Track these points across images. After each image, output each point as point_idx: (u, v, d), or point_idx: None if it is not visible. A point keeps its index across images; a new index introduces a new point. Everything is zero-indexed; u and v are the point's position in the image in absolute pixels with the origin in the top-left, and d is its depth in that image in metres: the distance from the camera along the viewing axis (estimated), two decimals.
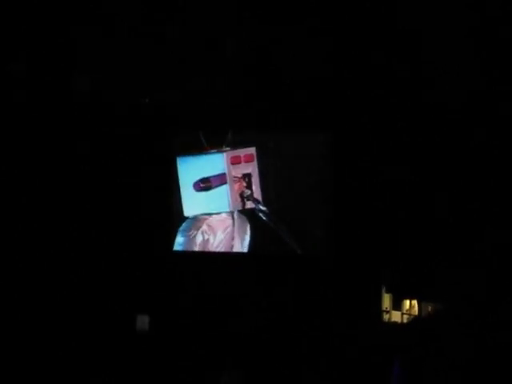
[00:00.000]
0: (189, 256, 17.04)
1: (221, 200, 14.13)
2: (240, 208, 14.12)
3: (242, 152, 14.46)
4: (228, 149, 14.36)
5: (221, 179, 14.37)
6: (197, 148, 14.45)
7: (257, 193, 14.64)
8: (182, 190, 14.17)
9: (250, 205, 14.79)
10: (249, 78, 16.09)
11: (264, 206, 15.47)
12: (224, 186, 14.28)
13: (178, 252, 16.70)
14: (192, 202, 14.14)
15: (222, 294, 16.98)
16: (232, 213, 14.47)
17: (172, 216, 15.22)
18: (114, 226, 15.99)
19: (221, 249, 14.70)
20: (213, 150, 14.46)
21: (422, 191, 15.28)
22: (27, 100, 15.58)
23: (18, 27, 14.83)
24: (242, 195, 13.92)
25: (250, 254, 16.71)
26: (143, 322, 16.61)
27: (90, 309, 15.91)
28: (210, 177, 14.54)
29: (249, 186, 14.73)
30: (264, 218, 15.54)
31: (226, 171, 14.25)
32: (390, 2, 15.00)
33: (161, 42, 15.63)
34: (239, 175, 14.67)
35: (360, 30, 15.25)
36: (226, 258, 16.97)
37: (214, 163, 14.57)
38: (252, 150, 14.49)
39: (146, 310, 16.68)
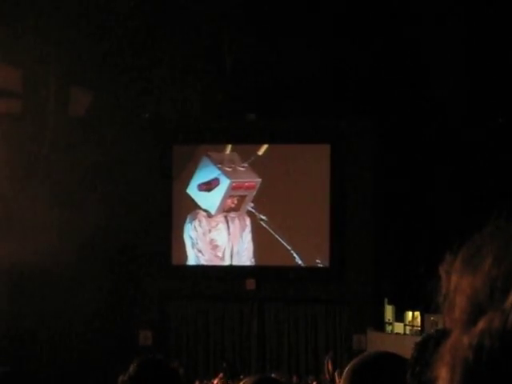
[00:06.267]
0: (190, 269, 17.11)
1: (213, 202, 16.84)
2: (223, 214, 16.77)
3: (248, 181, 16.71)
4: (242, 169, 16.65)
5: (215, 182, 16.77)
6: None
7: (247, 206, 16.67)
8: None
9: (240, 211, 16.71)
10: (248, 91, 16.15)
11: (265, 216, 16.61)
12: (221, 194, 16.77)
13: (179, 266, 17.00)
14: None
15: (224, 305, 17.03)
16: (225, 216, 16.80)
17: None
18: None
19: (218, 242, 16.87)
20: (227, 168, 16.73)
21: (422, 203, 15.27)
22: None
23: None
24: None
25: (253, 265, 16.93)
26: (146, 337, 16.61)
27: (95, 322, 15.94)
28: (211, 180, 16.81)
29: (239, 204, 16.72)
30: (268, 229, 16.61)
31: (219, 178, 16.78)
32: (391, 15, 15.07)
33: (160, 57, 15.68)
34: (235, 195, 16.77)
35: (357, 39, 15.31)
36: (228, 270, 17.03)
37: (213, 174, 16.86)
38: (257, 181, 16.66)
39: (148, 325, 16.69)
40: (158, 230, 16.84)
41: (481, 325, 0.74)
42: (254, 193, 16.69)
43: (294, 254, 16.62)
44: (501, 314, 0.73)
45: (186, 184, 17.02)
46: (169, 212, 17.06)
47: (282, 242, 16.64)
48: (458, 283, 0.78)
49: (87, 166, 16.13)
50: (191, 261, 17.05)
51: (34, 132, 15.53)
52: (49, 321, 15.76)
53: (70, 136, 16.01)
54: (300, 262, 16.67)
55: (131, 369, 2.91)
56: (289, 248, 16.63)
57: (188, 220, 16.86)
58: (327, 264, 16.65)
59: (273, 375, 14.89)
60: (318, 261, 16.64)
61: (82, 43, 14.95)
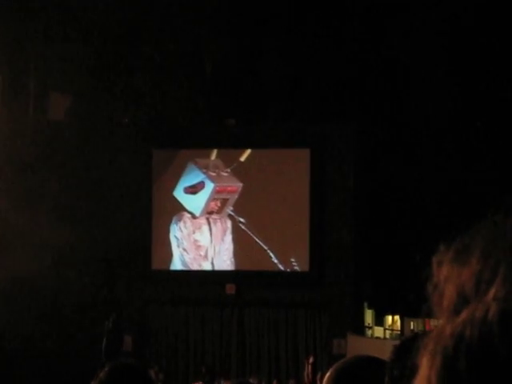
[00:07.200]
0: (170, 274, 17.11)
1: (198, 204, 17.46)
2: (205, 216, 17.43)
3: (230, 185, 17.24)
4: (225, 174, 17.21)
5: (201, 185, 17.40)
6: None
7: (228, 209, 17.22)
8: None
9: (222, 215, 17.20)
10: (228, 96, 16.18)
11: (243, 218, 16.94)
12: (205, 197, 17.39)
13: (159, 270, 17.04)
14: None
15: (204, 310, 17.04)
16: (207, 218, 17.39)
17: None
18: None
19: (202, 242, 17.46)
20: (212, 173, 17.30)
21: (403, 207, 15.32)
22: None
23: None
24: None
25: (233, 270, 17.00)
26: (126, 342, 16.56)
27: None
28: (197, 183, 17.42)
29: (222, 206, 17.22)
30: (248, 232, 16.88)
31: (204, 182, 17.37)
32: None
33: (139, 62, 15.67)
34: (218, 197, 17.30)
35: (337, 45, 15.36)
36: (208, 275, 17.06)
37: (198, 178, 17.41)
38: (238, 185, 17.18)
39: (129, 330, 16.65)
40: (138, 235, 16.84)
41: (463, 315, 0.75)
42: (236, 196, 17.21)
43: (273, 258, 16.72)
44: (483, 305, 0.74)
45: (166, 188, 17.29)
46: (149, 217, 17.11)
47: (261, 244, 16.78)
48: (448, 274, 0.80)
49: (65, 170, 16.10)
50: (176, 260, 17.28)
51: (13, 137, 15.47)
52: (29, 325, 15.70)
53: (49, 141, 15.99)
54: (279, 264, 16.78)
55: (102, 374, 2.89)
56: (268, 252, 16.73)
57: (173, 221, 17.38)
58: (304, 265, 16.71)
59: (250, 380, 14.95)
60: (292, 259, 16.71)
61: (62, 48, 14.92)
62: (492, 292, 0.75)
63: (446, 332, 0.76)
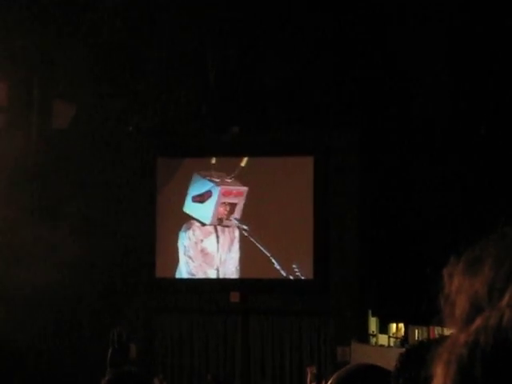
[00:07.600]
0: (174, 282, 17.10)
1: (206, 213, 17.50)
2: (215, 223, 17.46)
3: (235, 189, 17.25)
4: (229, 180, 17.28)
5: (208, 194, 17.45)
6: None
7: (237, 215, 17.19)
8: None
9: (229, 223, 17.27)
10: (231, 103, 16.19)
11: (247, 226, 16.94)
12: (213, 204, 17.45)
13: (162, 279, 17.03)
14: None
15: (208, 318, 17.02)
16: (215, 226, 17.39)
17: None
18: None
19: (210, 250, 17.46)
20: (216, 180, 17.35)
21: (407, 215, 15.31)
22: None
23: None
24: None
25: (237, 278, 17.00)
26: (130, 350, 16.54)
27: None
28: (204, 192, 17.47)
29: (231, 211, 17.18)
30: (252, 241, 16.86)
31: (212, 190, 17.41)
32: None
33: (143, 70, 15.69)
34: (226, 202, 17.25)
35: (341, 52, 15.37)
36: (212, 283, 17.04)
37: (205, 187, 17.49)
38: (244, 189, 17.19)
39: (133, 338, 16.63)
40: (142, 243, 16.85)
41: (477, 323, 0.76)
42: (244, 201, 17.21)
43: (276, 264, 16.70)
44: (497, 312, 0.75)
45: (171, 196, 17.27)
46: (153, 225, 17.09)
47: (265, 251, 16.75)
48: (460, 285, 0.81)
49: (69, 179, 16.12)
50: (182, 267, 17.29)
51: (17, 146, 15.48)
52: (38, 335, 15.74)
53: (54, 150, 16.01)
54: (281, 270, 16.77)
55: (104, 382, 2.89)
56: (271, 258, 16.70)
57: (183, 229, 17.36)
58: (308, 273, 16.70)
59: None
60: (294, 266, 16.68)
61: (66, 56, 14.95)
62: (506, 299, 0.76)
63: (459, 341, 0.76)
